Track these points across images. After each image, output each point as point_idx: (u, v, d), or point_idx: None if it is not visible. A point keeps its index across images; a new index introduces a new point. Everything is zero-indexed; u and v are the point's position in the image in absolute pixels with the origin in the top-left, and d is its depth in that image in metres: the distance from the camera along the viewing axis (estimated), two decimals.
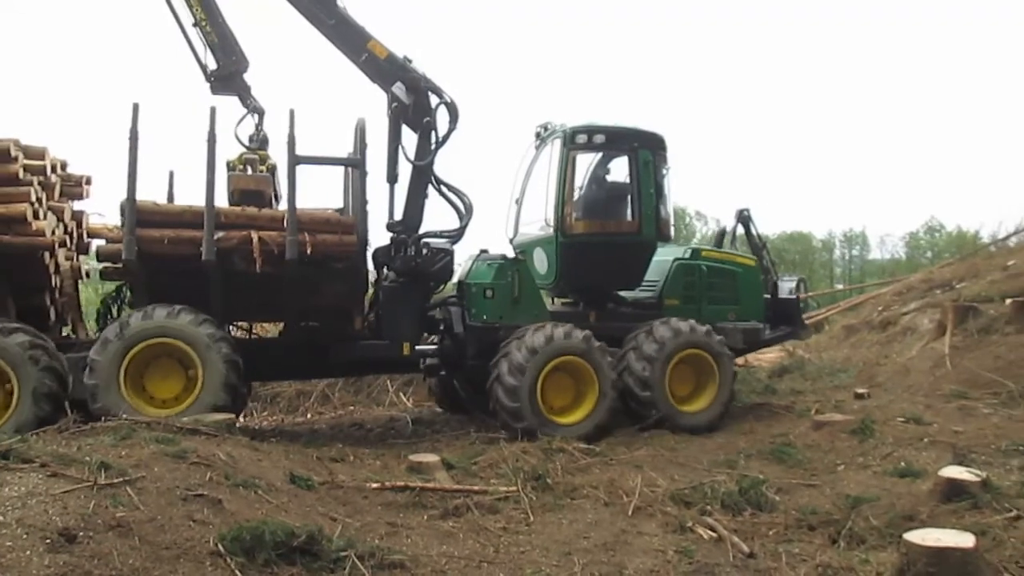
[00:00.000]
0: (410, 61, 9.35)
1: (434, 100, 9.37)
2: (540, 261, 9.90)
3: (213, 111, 8.19)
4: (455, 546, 5.13)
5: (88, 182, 9.27)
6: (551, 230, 9.68)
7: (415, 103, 9.25)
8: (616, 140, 9.86)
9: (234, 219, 8.13)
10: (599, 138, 9.78)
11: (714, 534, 5.29)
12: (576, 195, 9.76)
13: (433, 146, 9.36)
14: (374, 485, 6.24)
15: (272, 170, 9.09)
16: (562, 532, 5.45)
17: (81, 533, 3.93)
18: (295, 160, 8.26)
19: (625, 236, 9.79)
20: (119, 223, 8.28)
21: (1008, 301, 12.19)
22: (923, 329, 13.61)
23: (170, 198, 9.37)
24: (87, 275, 9.68)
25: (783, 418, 9.41)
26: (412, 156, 9.35)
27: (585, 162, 10.04)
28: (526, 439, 8.04)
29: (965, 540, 4.19)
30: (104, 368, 7.54)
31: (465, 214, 9.58)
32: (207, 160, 8.05)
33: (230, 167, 9.04)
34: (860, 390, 10.83)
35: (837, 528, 5.32)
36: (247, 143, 9.25)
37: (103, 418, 6.84)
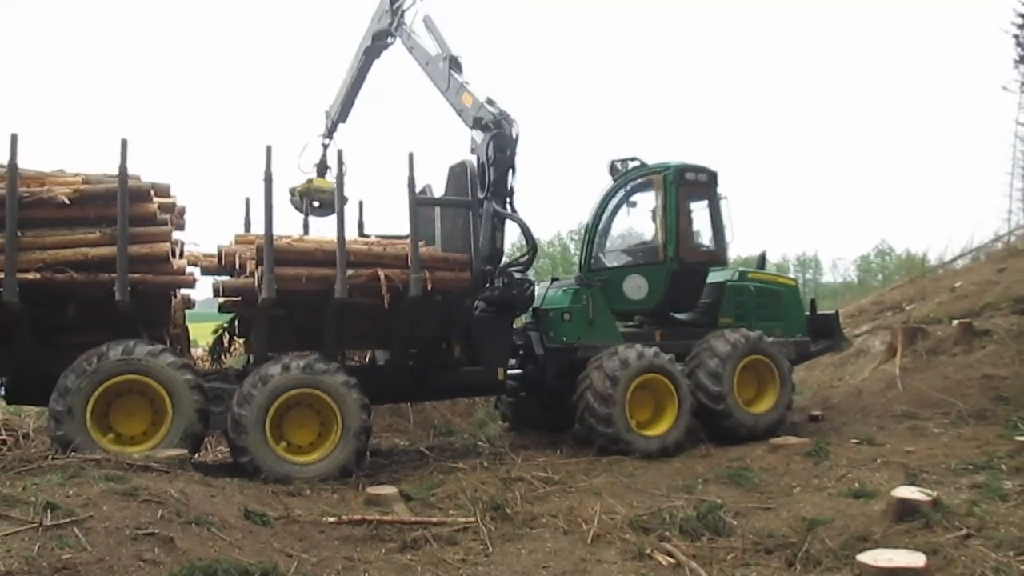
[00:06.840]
0: (493, 103, 9.69)
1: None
2: (635, 287, 10.38)
3: (340, 153, 8.50)
4: None
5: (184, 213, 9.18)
6: (657, 257, 10.32)
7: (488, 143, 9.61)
8: (713, 178, 10.61)
9: (362, 257, 8.45)
10: (703, 176, 10.57)
11: (673, 560, 5.29)
12: (686, 227, 10.44)
13: (493, 185, 9.52)
14: (331, 519, 6.14)
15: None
16: (521, 562, 5.42)
17: None
18: (415, 202, 8.58)
19: (719, 263, 10.71)
20: (214, 251, 8.81)
21: (955, 322, 12.52)
22: (875, 351, 13.88)
23: (305, 227, 10.22)
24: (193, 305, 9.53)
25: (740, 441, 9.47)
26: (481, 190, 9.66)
27: (687, 197, 10.61)
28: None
29: (916, 560, 4.27)
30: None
31: (529, 247, 9.95)
32: (336, 202, 8.36)
33: (292, 194, 10.13)
34: (815, 412, 11.01)
35: (793, 551, 5.34)
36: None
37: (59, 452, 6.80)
